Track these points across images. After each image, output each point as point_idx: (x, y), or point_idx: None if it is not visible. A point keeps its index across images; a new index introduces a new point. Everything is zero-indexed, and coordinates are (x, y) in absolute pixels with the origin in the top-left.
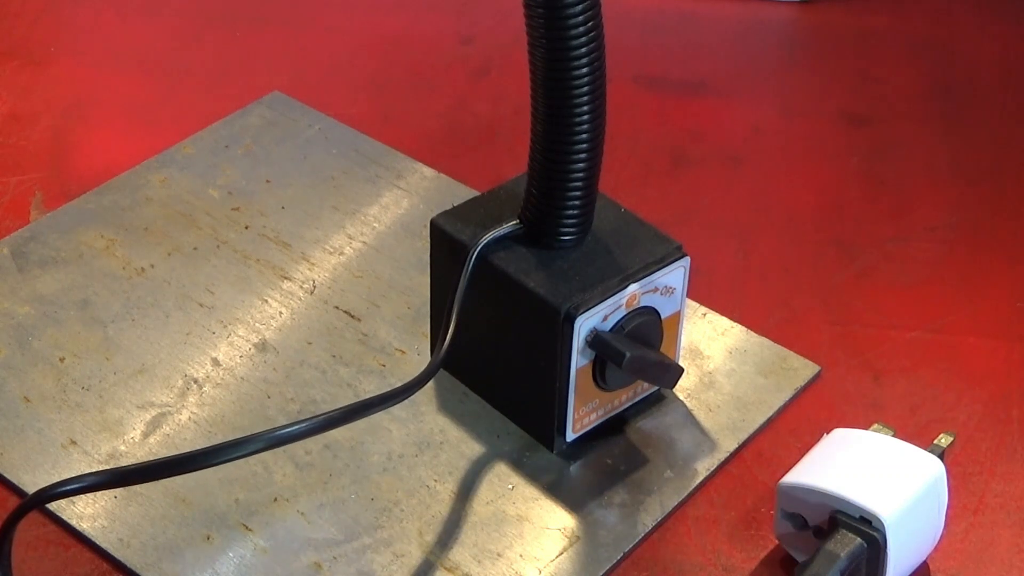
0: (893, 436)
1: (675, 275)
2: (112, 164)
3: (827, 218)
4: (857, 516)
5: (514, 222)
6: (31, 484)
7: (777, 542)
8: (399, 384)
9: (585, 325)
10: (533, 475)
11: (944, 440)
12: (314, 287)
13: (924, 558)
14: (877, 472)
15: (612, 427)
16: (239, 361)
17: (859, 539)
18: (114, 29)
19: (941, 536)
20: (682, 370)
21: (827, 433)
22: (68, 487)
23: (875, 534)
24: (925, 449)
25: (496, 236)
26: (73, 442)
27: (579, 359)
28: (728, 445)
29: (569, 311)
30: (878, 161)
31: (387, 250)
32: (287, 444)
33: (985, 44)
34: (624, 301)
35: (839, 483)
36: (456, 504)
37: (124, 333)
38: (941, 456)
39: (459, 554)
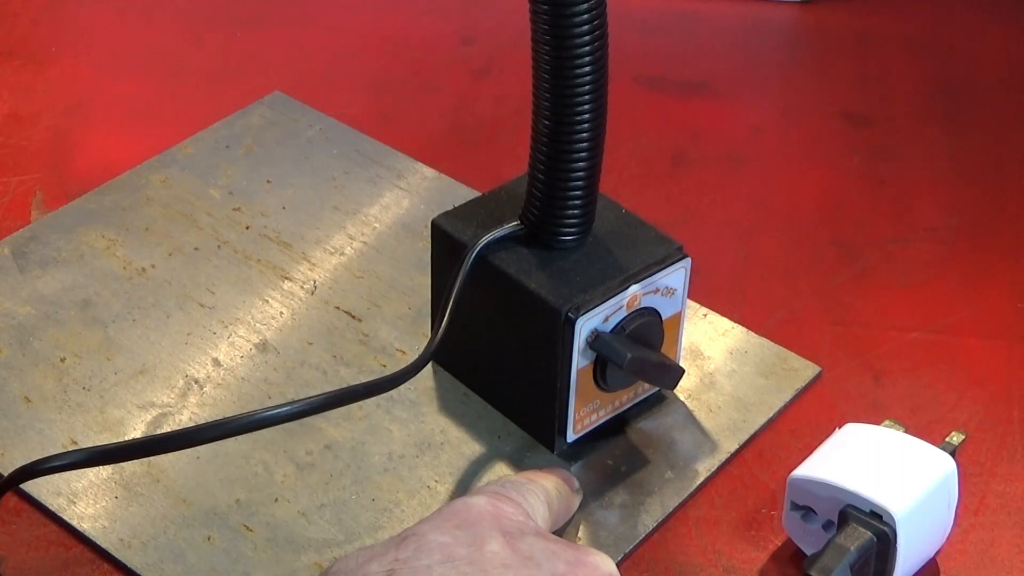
0: (904, 432)
1: (676, 276)
2: (113, 164)
3: (827, 218)
4: (868, 511)
5: (515, 223)
6: (31, 483)
7: (778, 543)
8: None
9: (586, 326)
10: None
11: (956, 438)
12: (315, 287)
13: (933, 554)
14: (889, 468)
15: (613, 428)
16: (240, 361)
17: (869, 533)
18: (114, 29)
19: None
20: (683, 371)
21: (839, 428)
22: (51, 464)
23: (885, 529)
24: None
25: (497, 236)
26: (74, 442)
27: (580, 360)
28: (729, 446)
29: (570, 312)
30: (878, 161)
31: (388, 250)
32: (267, 427)
33: (985, 44)
34: (625, 302)
35: (851, 477)
36: None
37: (125, 333)
38: (953, 454)
39: None
